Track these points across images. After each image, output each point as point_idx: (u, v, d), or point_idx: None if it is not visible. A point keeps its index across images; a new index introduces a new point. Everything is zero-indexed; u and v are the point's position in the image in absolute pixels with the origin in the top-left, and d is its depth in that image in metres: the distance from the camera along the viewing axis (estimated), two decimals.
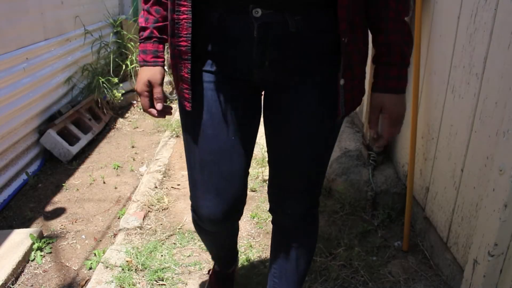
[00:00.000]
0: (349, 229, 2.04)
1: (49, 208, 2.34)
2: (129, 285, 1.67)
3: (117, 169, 2.76)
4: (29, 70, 2.72)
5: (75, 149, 2.89)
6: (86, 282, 1.78)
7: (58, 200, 2.41)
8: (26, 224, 2.19)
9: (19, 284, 1.77)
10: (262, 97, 1.16)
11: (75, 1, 3.49)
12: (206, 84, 1.06)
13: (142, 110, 3.87)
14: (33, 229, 2.02)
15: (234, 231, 1.38)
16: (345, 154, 2.40)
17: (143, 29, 1.12)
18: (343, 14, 0.94)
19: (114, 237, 2.07)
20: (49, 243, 2.01)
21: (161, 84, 1.12)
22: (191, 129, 1.10)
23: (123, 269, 1.75)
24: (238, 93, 1.07)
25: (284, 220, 1.27)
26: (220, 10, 0.98)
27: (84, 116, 3.22)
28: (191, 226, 2.07)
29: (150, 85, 1.11)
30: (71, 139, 2.98)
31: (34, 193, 2.49)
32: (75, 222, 2.20)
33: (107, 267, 1.77)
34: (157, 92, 1.11)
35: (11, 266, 1.77)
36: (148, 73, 1.11)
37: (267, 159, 1.23)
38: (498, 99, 1.32)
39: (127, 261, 1.79)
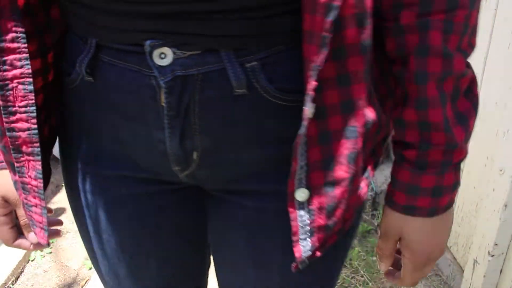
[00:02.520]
0: None
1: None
2: None
3: None
4: None
5: None
6: (86, 282, 1.78)
7: (58, 200, 2.41)
8: None
9: (19, 284, 1.77)
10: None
11: None
12: (85, 196, 0.62)
13: None
14: None
15: None
16: None
17: None
18: (316, 54, 0.43)
19: None
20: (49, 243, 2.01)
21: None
22: (93, 258, 0.69)
23: None
24: (156, 209, 0.63)
25: None
26: (91, 46, 0.50)
27: None
28: None
29: (6, 204, 0.62)
30: None
31: None
32: (75, 222, 2.20)
33: None
34: (22, 215, 0.63)
35: (11, 266, 1.76)
36: None
37: None
38: (498, 99, 1.32)
39: None
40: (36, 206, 0.58)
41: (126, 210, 0.62)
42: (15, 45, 0.49)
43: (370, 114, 0.50)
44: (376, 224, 2.06)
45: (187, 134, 0.50)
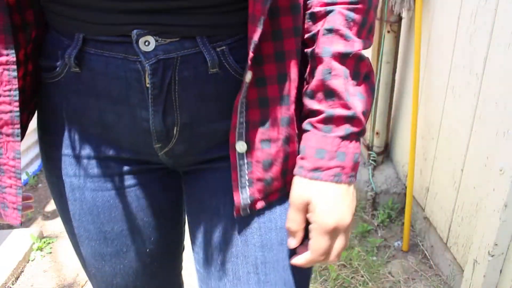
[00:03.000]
0: None
1: (49, 208, 2.34)
2: None
3: None
4: None
5: None
6: (86, 282, 1.78)
7: None
8: (26, 224, 2.19)
9: (19, 284, 1.77)
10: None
11: None
12: (72, 180, 0.66)
13: None
14: (33, 229, 2.02)
15: None
16: None
17: None
18: (253, 34, 0.53)
19: None
20: (49, 243, 2.01)
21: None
22: (79, 251, 0.73)
23: None
24: (136, 190, 0.68)
25: None
26: (78, 41, 0.57)
27: None
28: None
29: None
30: None
31: (34, 193, 2.49)
32: None
33: None
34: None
35: (11, 266, 1.77)
36: None
37: None
38: (498, 99, 1.32)
39: None
40: (11, 186, 0.61)
41: (109, 191, 0.67)
42: (2, 36, 0.55)
43: (300, 86, 0.61)
44: (376, 224, 2.06)
45: (168, 111, 0.59)
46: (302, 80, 0.62)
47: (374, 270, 1.77)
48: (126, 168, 0.66)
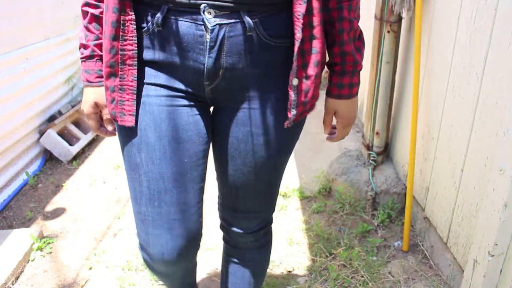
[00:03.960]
0: (349, 229, 2.04)
1: (49, 208, 2.34)
2: (129, 285, 1.67)
3: (117, 169, 2.76)
4: (29, 70, 2.72)
5: (75, 149, 2.89)
6: (86, 282, 1.78)
7: (58, 200, 2.41)
8: (26, 224, 2.20)
9: (19, 284, 1.77)
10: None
11: (75, 1, 3.49)
12: (151, 99, 0.96)
13: None
14: (33, 229, 2.02)
15: (191, 268, 1.23)
16: (345, 154, 2.40)
17: (84, 46, 1.01)
18: (299, 9, 0.88)
19: (114, 237, 2.07)
20: (49, 243, 2.01)
21: None
22: (135, 152, 0.98)
23: (123, 269, 1.76)
24: (188, 110, 0.98)
25: (235, 238, 1.22)
26: (164, 10, 0.88)
27: (84, 116, 3.23)
28: None
29: (96, 106, 1.03)
30: (71, 139, 2.98)
31: (34, 193, 2.49)
32: (75, 222, 2.19)
33: (107, 267, 1.77)
34: (106, 113, 1.03)
35: (11, 266, 1.77)
36: (94, 95, 1.02)
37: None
38: (498, 99, 1.32)
39: (127, 261, 1.79)
40: (128, 100, 0.95)
41: (168, 107, 0.97)
42: (127, 2, 0.89)
43: (324, 44, 0.97)
44: (376, 224, 2.06)
45: (218, 58, 0.91)
46: (326, 37, 1.00)
47: (374, 270, 1.77)
48: (181, 95, 0.97)
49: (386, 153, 2.27)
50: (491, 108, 1.36)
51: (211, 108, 1.06)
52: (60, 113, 3.03)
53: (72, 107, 3.16)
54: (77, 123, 3.15)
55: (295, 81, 0.93)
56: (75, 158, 2.88)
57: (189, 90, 0.97)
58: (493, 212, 1.24)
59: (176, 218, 0.99)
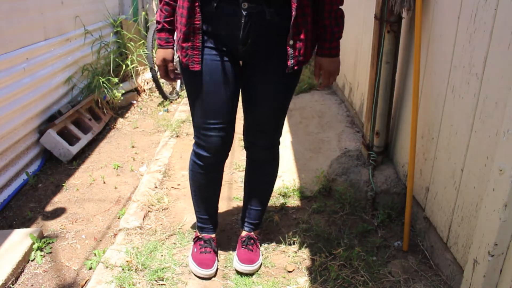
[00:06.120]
0: (349, 229, 2.04)
1: (49, 208, 2.34)
2: (129, 285, 1.67)
3: (117, 169, 2.76)
4: (29, 70, 2.72)
5: (75, 149, 2.89)
6: (86, 282, 1.78)
7: (58, 200, 2.41)
8: (26, 224, 2.19)
9: (19, 284, 1.77)
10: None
11: (75, 1, 3.49)
12: (206, 56, 1.51)
13: (141, 110, 3.86)
14: (33, 229, 2.02)
15: (221, 174, 1.80)
16: (345, 154, 2.40)
17: (158, 22, 1.55)
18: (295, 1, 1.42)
19: (114, 237, 2.07)
20: (49, 243, 2.01)
21: (172, 60, 1.60)
22: (198, 86, 1.54)
23: (123, 269, 1.76)
24: (228, 62, 1.53)
25: (255, 153, 1.78)
26: (217, 1, 1.43)
27: (84, 116, 3.22)
28: (191, 226, 2.07)
29: (164, 61, 1.58)
30: (71, 139, 2.98)
31: (34, 193, 2.49)
32: (75, 222, 2.19)
33: (107, 267, 1.77)
34: (170, 65, 1.60)
35: (11, 266, 1.77)
36: (163, 53, 1.58)
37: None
38: (498, 99, 1.32)
39: (127, 261, 1.79)
40: (196, 55, 1.49)
41: (217, 61, 1.52)
42: None
43: (312, 19, 1.51)
44: (376, 224, 2.06)
45: (248, 32, 1.46)
46: (315, 10, 1.51)
47: (374, 270, 1.77)
48: (225, 53, 1.52)
49: (386, 153, 2.27)
50: (491, 108, 1.36)
51: (241, 62, 1.60)
52: (60, 113, 3.03)
53: (72, 107, 3.16)
54: (77, 123, 3.15)
55: (291, 42, 1.46)
56: (75, 158, 2.88)
57: (230, 51, 1.52)
58: (493, 212, 1.24)
59: (221, 110, 1.58)
